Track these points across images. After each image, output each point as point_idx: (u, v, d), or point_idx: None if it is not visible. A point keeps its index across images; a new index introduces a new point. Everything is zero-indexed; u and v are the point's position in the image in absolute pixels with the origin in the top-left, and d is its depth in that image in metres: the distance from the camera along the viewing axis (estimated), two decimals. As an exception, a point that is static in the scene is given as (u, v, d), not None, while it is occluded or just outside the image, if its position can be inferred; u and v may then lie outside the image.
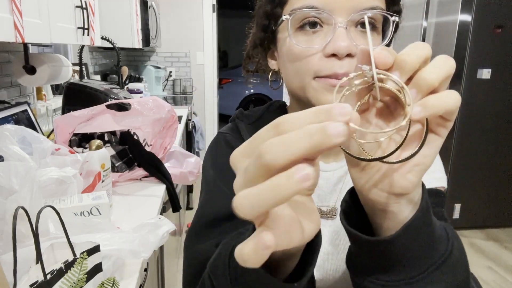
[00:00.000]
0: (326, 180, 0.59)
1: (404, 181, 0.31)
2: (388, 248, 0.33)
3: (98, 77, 2.73)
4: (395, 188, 0.32)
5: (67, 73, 1.59)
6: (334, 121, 0.23)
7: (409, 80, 0.30)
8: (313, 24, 0.49)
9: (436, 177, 0.58)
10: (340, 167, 0.60)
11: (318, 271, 0.57)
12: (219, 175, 0.58)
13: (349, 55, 0.47)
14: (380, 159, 0.30)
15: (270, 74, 0.62)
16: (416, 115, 0.28)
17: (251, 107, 0.68)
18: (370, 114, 0.34)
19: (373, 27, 0.50)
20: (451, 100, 0.29)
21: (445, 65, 0.30)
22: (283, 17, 0.50)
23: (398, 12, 0.53)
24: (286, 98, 0.64)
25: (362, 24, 0.49)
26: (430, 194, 0.53)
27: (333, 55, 0.47)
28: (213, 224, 0.55)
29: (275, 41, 0.56)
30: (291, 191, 0.22)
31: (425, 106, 0.28)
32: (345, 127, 0.22)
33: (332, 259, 0.57)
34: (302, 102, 0.53)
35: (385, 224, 0.34)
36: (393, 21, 0.50)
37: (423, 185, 0.34)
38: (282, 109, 0.63)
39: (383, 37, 0.53)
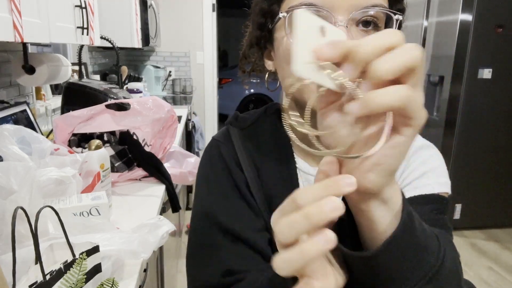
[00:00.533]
0: None
1: (363, 180, 0.29)
2: (372, 263, 0.33)
3: (98, 77, 2.73)
4: (357, 186, 0.31)
5: (67, 73, 1.59)
6: (333, 197, 0.27)
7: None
8: None
9: (440, 182, 0.56)
10: None
11: None
12: (212, 189, 0.57)
13: None
14: (329, 153, 0.29)
15: (266, 75, 0.60)
16: (352, 110, 0.27)
17: (251, 107, 0.67)
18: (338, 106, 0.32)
19: (375, 26, 0.47)
20: (395, 96, 0.26)
21: (404, 55, 0.26)
22: (280, 15, 0.48)
23: (402, 11, 0.51)
24: (285, 97, 0.63)
25: (364, 23, 0.47)
26: (432, 200, 0.53)
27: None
28: (213, 246, 0.53)
29: (272, 40, 0.54)
30: (316, 253, 0.27)
31: (363, 102, 0.26)
32: (340, 204, 0.27)
33: None
34: (299, 105, 0.49)
35: (370, 236, 0.34)
36: (397, 20, 0.48)
37: (403, 194, 0.33)
38: (278, 113, 0.61)
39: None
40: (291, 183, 0.55)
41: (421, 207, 0.51)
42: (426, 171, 0.55)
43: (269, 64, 0.57)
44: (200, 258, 0.54)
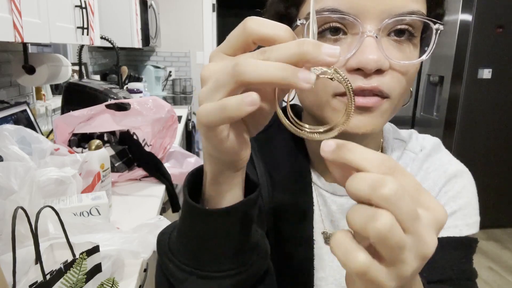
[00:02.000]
0: (340, 206, 0.53)
1: None
2: None
3: (98, 77, 2.73)
4: None
5: (67, 73, 1.59)
6: (312, 65, 0.26)
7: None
8: (336, 30, 0.40)
9: (469, 223, 0.52)
10: None
11: None
12: None
13: (378, 71, 0.39)
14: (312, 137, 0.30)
15: None
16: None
17: None
18: None
19: (410, 35, 0.41)
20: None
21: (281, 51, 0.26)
22: (298, 22, 0.41)
23: (442, 16, 0.45)
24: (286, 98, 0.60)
25: (397, 32, 0.40)
26: (461, 245, 0.50)
27: (359, 69, 0.39)
28: None
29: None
30: (238, 110, 0.26)
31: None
32: (314, 77, 0.25)
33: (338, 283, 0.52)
34: (319, 121, 0.45)
35: None
36: (437, 30, 0.41)
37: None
38: (298, 116, 0.56)
39: (422, 46, 0.44)
40: (304, 197, 0.52)
41: (449, 253, 0.49)
42: (456, 210, 0.52)
43: None
44: None
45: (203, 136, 0.31)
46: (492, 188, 2.81)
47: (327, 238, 0.53)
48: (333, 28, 0.40)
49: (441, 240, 0.49)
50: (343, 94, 0.40)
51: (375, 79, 0.39)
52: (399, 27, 0.39)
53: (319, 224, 0.53)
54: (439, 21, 0.40)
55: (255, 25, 0.27)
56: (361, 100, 0.39)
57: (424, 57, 0.42)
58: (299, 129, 0.30)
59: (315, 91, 0.42)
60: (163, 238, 0.41)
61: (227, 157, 0.32)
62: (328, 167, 0.28)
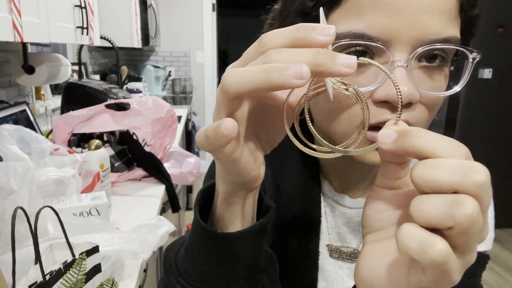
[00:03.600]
0: (349, 219, 0.51)
1: None
2: None
3: (97, 77, 2.73)
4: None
5: (66, 73, 1.59)
6: (303, 58, 0.24)
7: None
8: (361, 54, 0.36)
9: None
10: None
11: None
12: None
13: (407, 104, 0.34)
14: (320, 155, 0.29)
15: None
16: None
17: None
18: None
19: (442, 60, 0.36)
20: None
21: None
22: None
23: (474, 33, 0.41)
24: None
25: (429, 58, 0.35)
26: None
27: (386, 102, 0.34)
28: None
29: None
30: (280, 82, 0.23)
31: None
32: (307, 69, 0.23)
33: None
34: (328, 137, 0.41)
35: None
36: (473, 59, 0.37)
37: None
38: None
39: (457, 73, 0.39)
40: (312, 209, 0.50)
41: None
42: None
43: None
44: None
45: (216, 158, 0.30)
46: (493, 188, 2.81)
47: (332, 251, 0.51)
48: (359, 52, 0.35)
49: None
50: (370, 128, 0.35)
51: (404, 113, 0.35)
52: (431, 53, 0.35)
53: (325, 236, 0.51)
54: (475, 51, 0.36)
55: (271, 41, 0.26)
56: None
57: (457, 88, 0.37)
58: (310, 148, 0.29)
59: (336, 120, 0.38)
60: (170, 255, 0.40)
61: (241, 178, 0.31)
62: (381, 164, 0.27)
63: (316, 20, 0.36)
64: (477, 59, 0.37)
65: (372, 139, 0.35)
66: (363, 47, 0.35)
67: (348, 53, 0.35)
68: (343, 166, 0.49)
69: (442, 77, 0.37)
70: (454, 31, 0.35)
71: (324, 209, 0.52)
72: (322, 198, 0.51)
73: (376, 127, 0.35)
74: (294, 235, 0.50)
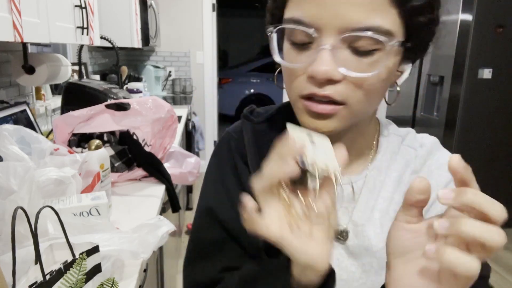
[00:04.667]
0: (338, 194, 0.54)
1: None
2: None
3: (97, 77, 2.73)
4: None
5: (66, 73, 1.59)
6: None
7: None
8: (304, 42, 0.43)
9: None
10: (354, 182, 0.54)
11: None
12: (217, 185, 0.57)
13: (330, 81, 0.42)
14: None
15: (276, 72, 0.54)
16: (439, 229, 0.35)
17: (248, 107, 0.63)
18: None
19: (374, 46, 0.41)
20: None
21: (493, 236, 0.33)
22: (267, 30, 0.45)
23: (432, 22, 0.44)
24: (285, 98, 0.59)
25: (356, 45, 0.41)
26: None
27: (313, 77, 0.42)
28: (214, 243, 0.54)
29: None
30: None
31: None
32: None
33: (343, 285, 0.52)
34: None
35: None
36: (391, 46, 0.41)
37: None
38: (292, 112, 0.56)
39: (413, 51, 0.45)
40: None
41: None
42: None
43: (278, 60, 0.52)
44: (201, 254, 0.55)
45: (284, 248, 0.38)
46: (492, 188, 2.81)
47: None
48: (301, 40, 0.43)
49: None
50: (305, 98, 0.44)
51: (328, 88, 0.42)
52: (358, 41, 0.40)
53: None
54: (394, 40, 0.40)
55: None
56: (318, 107, 0.43)
57: (376, 72, 0.42)
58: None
59: (289, 90, 0.47)
60: None
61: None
62: (404, 206, 0.38)
63: (275, 20, 0.47)
64: (394, 47, 0.41)
65: (306, 107, 0.45)
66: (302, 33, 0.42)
67: (293, 39, 0.44)
68: None
69: (371, 60, 0.41)
70: (377, 21, 0.39)
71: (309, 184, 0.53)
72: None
73: (309, 98, 0.44)
74: None
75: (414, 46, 0.44)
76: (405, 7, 0.40)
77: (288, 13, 0.43)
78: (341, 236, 0.54)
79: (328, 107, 0.43)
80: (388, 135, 0.57)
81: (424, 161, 0.55)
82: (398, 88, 0.50)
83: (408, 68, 0.49)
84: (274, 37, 0.45)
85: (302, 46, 0.43)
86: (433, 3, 0.43)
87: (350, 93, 0.43)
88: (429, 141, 0.58)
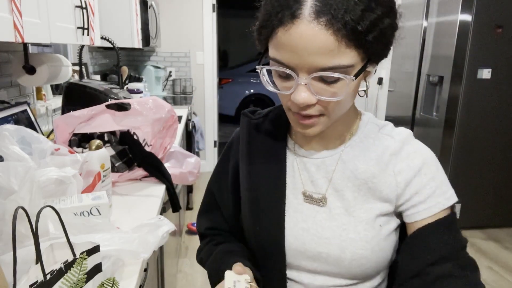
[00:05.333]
0: (317, 167, 0.68)
1: None
2: None
3: (98, 77, 2.73)
4: None
5: (67, 73, 1.59)
6: None
7: None
8: (286, 75, 0.56)
9: (447, 196, 0.63)
10: (330, 156, 0.68)
11: (314, 256, 0.65)
12: (218, 164, 0.81)
13: (308, 105, 0.56)
14: None
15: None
16: None
17: (251, 107, 0.76)
18: None
19: (336, 78, 0.53)
20: None
21: None
22: (257, 68, 0.59)
23: (386, 31, 0.54)
24: None
25: (324, 78, 0.53)
26: (446, 224, 0.61)
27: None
28: (209, 206, 0.81)
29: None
30: None
31: None
32: None
33: (327, 243, 0.64)
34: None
35: None
36: (351, 80, 0.53)
37: None
38: (284, 112, 0.70)
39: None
40: (278, 163, 0.70)
41: (441, 233, 0.61)
42: (435, 189, 0.63)
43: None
44: (203, 212, 0.83)
45: None
46: (492, 188, 2.82)
47: (305, 197, 0.68)
48: (284, 74, 0.56)
49: (431, 225, 0.61)
50: (292, 112, 0.61)
51: (307, 109, 0.57)
52: (325, 77, 0.53)
53: (300, 185, 0.69)
54: (348, 77, 0.53)
55: None
56: (304, 121, 0.59)
57: (343, 94, 0.55)
58: None
59: (282, 102, 0.62)
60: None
61: None
62: None
63: (263, 43, 0.59)
64: (353, 81, 0.54)
65: (295, 119, 0.61)
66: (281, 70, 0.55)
67: (279, 73, 0.57)
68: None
69: (339, 86, 0.54)
70: (337, 61, 0.51)
71: (297, 166, 0.70)
72: (295, 157, 0.71)
73: (296, 114, 0.59)
74: (264, 185, 0.70)
75: (375, 58, 0.56)
76: (364, 41, 0.51)
77: (271, 52, 0.56)
78: (321, 201, 0.67)
79: (310, 120, 0.59)
80: (367, 124, 0.69)
81: (402, 145, 0.66)
82: (367, 83, 0.62)
83: (374, 68, 0.59)
84: (265, 73, 0.60)
85: (285, 77, 0.56)
86: (380, 17, 0.51)
87: (325, 109, 0.58)
88: (405, 132, 0.68)
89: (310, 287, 0.67)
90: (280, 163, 0.70)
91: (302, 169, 0.69)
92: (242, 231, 0.76)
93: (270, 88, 0.59)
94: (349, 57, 0.52)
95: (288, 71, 0.54)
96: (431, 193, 0.62)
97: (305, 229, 0.66)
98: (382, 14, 0.52)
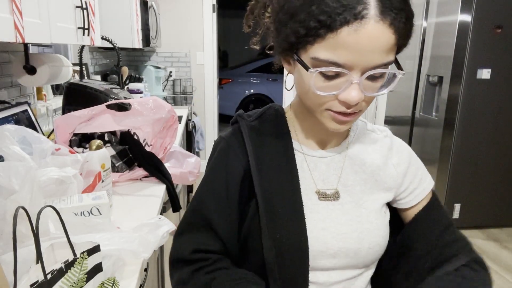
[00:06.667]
0: (327, 165, 0.70)
1: None
2: None
3: (98, 77, 2.73)
4: None
5: (67, 73, 1.59)
6: None
7: None
8: (334, 74, 0.56)
9: (429, 181, 0.74)
10: (337, 153, 0.71)
11: (335, 253, 0.66)
12: (208, 180, 0.70)
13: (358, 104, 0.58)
14: None
15: (285, 76, 0.69)
16: None
17: (251, 108, 0.74)
18: None
19: (382, 75, 0.58)
20: None
21: None
22: (309, 71, 0.56)
23: (405, 40, 0.58)
24: (285, 97, 0.69)
25: (373, 76, 0.56)
26: (436, 207, 0.72)
27: (344, 101, 0.57)
28: (194, 227, 0.67)
29: (297, 54, 0.58)
30: None
31: None
32: None
33: (346, 237, 0.66)
34: (309, 111, 0.65)
35: None
36: (396, 75, 0.58)
37: None
38: (279, 112, 0.72)
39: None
40: (289, 165, 0.67)
41: (438, 210, 0.72)
42: (422, 178, 0.73)
43: (286, 67, 0.65)
44: (184, 233, 0.68)
45: None
46: (492, 188, 2.81)
47: (320, 195, 0.68)
48: (331, 74, 0.56)
49: (429, 204, 0.72)
50: (333, 111, 0.59)
51: (355, 107, 0.58)
52: (376, 74, 0.56)
53: (312, 185, 0.69)
54: (401, 73, 0.58)
55: None
56: (345, 118, 0.60)
57: (386, 89, 0.59)
58: None
59: (313, 102, 0.60)
60: None
61: None
62: None
63: (300, 44, 0.56)
64: (401, 76, 0.58)
65: (333, 117, 0.60)
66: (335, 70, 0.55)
67: (326, 72, 0.55)
68: (315, 131, 0.71)
69: (382, 81, 0.58)
70: (391, 57, 0.55)
71: (308, 166, 0.70)
72: (304, 157, 0.70)
73: (338, 112, 0.59)
74: (278, 187, 0.66)
75: (397, 52, 0.59)
76: (401, 44, 0.56)
77: (322, 54, 0.54)
78: (335, 196, 0.68)
79: (351, 116, 0.60)
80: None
81: (391, 140, 0.74)
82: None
83: None
84: (317, 76, 0.56)
85: (331, 76, 0.56)
86: (413, 15, 0.56)
87: (365, 105, 0.60)
88: (386, 128, 0.76)
89: (326, 285, 0.67)
90: (290, 165, 0.68)
91: (313, 169, 0.70)
92: (241, 249, 0.69)
93: (320, 92, 0.57)
94: (394, 52, 0.56)
95: (345, 71, 0.54)
96: (419, 179, 0.73)
97: (324, 228, 0.66)
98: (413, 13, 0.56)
